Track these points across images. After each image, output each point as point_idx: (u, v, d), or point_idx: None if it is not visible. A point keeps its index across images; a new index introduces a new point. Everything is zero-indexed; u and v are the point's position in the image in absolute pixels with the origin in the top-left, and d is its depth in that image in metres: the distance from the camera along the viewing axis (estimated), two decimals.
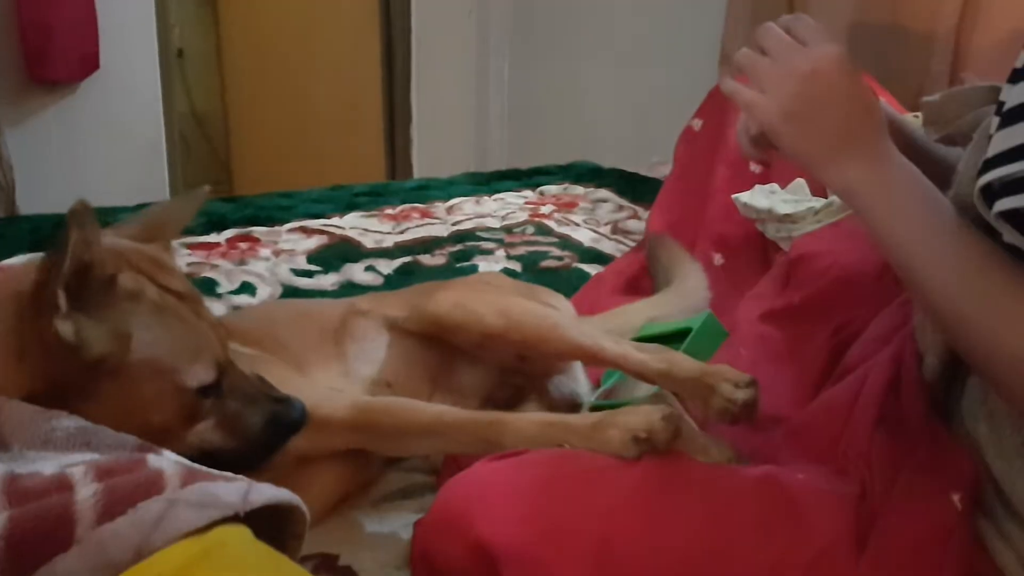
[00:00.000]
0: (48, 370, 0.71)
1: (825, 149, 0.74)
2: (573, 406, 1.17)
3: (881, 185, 0.71)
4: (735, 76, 0.81)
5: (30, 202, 2.35)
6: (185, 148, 3.35)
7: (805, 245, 1.17)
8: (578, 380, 1.21)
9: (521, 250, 1.92)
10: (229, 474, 0.63)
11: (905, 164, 0.73)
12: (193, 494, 0.58)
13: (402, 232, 2.04)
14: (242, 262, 1.80)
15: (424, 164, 3.45)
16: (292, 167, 3.60)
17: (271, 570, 0.57)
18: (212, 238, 1.93)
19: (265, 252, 1.86)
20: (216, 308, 1.50)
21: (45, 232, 1.87)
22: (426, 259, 1.86)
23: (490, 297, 1.12)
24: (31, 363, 0.71)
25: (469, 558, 0.71)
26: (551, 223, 2.13)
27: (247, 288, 1.67)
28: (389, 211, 2.19)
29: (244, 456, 0.81)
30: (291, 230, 2.02)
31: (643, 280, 1.58)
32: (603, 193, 2.37)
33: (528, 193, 2.41)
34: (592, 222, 2.14)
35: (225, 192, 3.68)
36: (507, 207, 2.27)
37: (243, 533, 0.57)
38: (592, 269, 1.79)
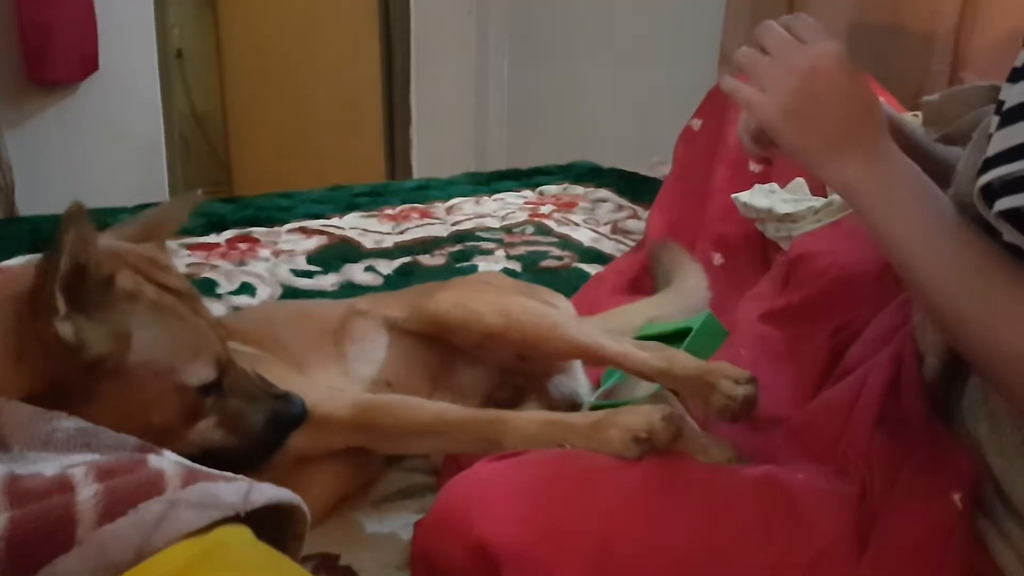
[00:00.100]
0: (47, 371, 0.71)
1: (825, 147, 0.74)
2: (573, 406, 1.17)
3: (881, 183, 0.71)
4: (735, 75, 0.81)
5: (30, 203, 2.35)
6: (185, 148, 3.35)
7: (805, 245, 1.17)
8: (578, 380, 1.21)
9: (521, 250, 1.92)
10: (230, 474, 0.63)
11: (905, 162, 0.73)
12: (194, 494, 0.58)
13: (402, 232, 2.04)
14: (242, 263, 1.80)
15: (424, 164, 3.45)
16: (292, 167, 3.60)
17: (272, 570, 0.57)
18: (212, 239, 1.93)
19: (265, 253, 1.86)
20: (216, 309, 1.50)
21: (45, 233, 1.87)
22: (426, 259, 1.86)
23: (490, 296, 1.12)
24: (30, 364, 0.71)
25: (469, 558, 0.71)
26: (551, 223, 2.13)
27: (247, 289, 1.67)
28: (389, 211, 2.20)
29: (246, 453, 0.81)
30: (291, 230, 2.02)
31: (643, 280, 1.58)
32: (603, 193, 2.37)
33: (528, 193, 2.41)
34: (592, 222, 2.14)
35: (225, 192, 3.69)
36: (507, 207, 2.27)
37: (244, 533, 0.57)
38: (592, 269, 1.79)
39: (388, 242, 1.96)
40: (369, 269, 1.80)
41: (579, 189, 2.42)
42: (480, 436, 0.89)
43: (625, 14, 2.91)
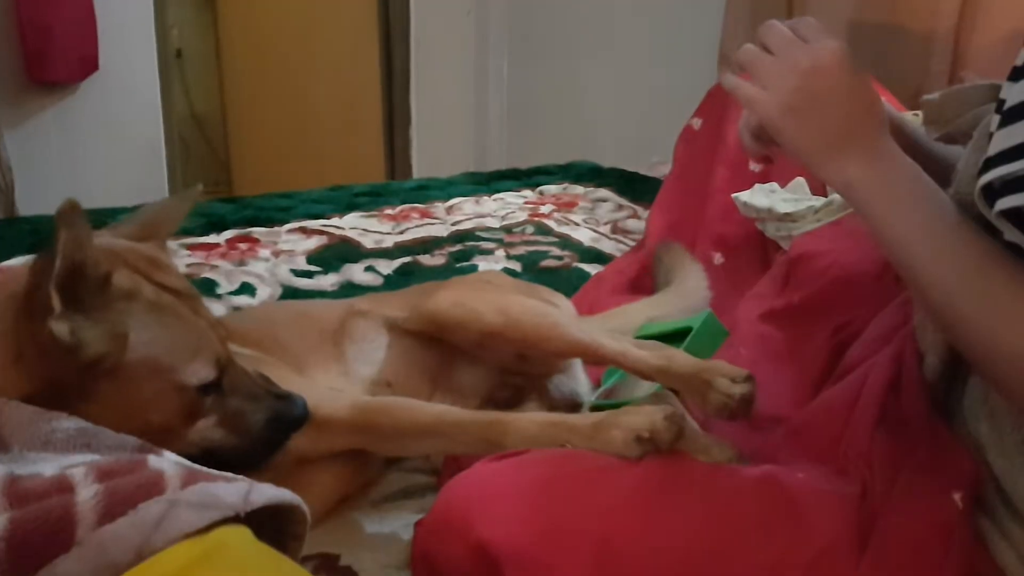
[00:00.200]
0: (45, 371, 0.71)
1: (825, 145, 0.73)
2: (573, 406, 1.17)
3: (881, 182, 0.71)
4: (738, 74, 0.81)
5: (29, 203, 2.35)
6: (184, 149, 3.35)
7: (805, 244, 1.17)
8: (578, 380, 1.21)
9: (521, 250, 1.92)
10: (230, 475, 0.63)
11: (906, 161, 0.73)
12: (194, 495, 0.58)
13: (402, 232, 2.04)
14: (242, 263, 1.80)
15: (423, 164, 3.45)
16: (291, 167, 3.60)
17: (272, 570, 0.57)
18: (212, 239, 1.93)
19: (265, 253, 1.86)
20: (216, 309, 1.50)
21: (45, 233, 1.86)
22: (426, 259, 1.86)
23: (489, 295, 1.12)
24: (28, 365, 0.71)
25: (470, 559, 0.71)
26: (551, 223, 2.13)
27: (247, 289, 1.67)
28: (389, 211, 2.20)
29: (247, 453, 0.81)
30: (291, 231, 2.02)
31: (643, 280, 1.58)
32: (603, 193, 2.37)
33: (528, 193, 2.41)
34: (592, 222, 2.14)
35: (224, 193, 3.69)
36: (507, 207, 2.27)
37: (244, 534, 0.57)
38: (592, 269, 1.79)
39: (388, 242, 1.96)
40: (369, 269, 1.80)
41: (579, 189, 2.42)
42: (481, 437, 0.88)
43: (625, 14, 2.91)
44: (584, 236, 2.03)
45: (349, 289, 1.68)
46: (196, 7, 3.89)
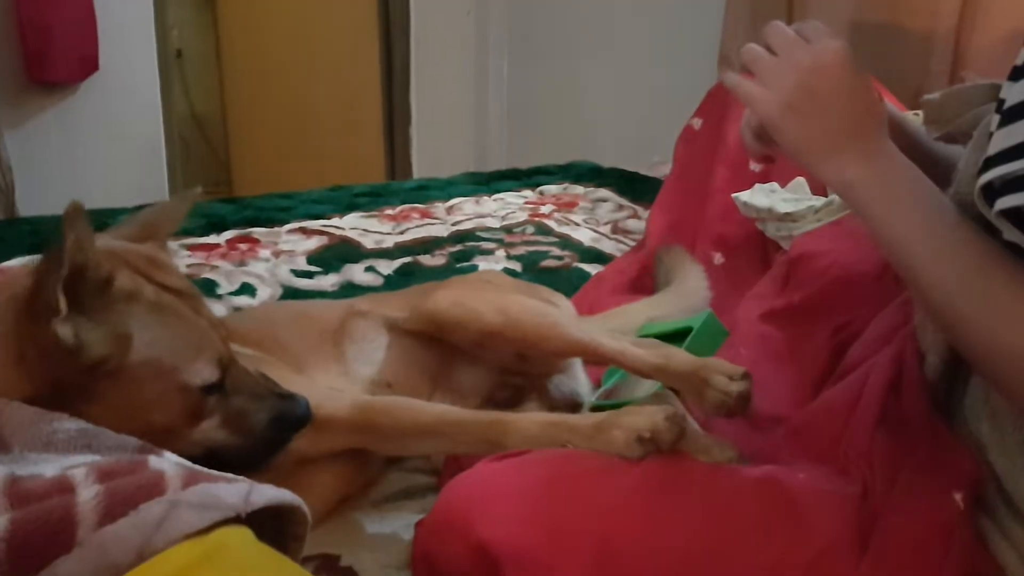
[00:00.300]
0: (48, 373, 0.71)
1: (824, 144, 0.73)
2: (574, 406, 1.17)
3: (880, 182, 0.71)
4: (740, 74, 0.81)
5: (29, 204, 2.35)
6: (184, 149, 3.35)
7: (805, 244, 1.17)
8: (579, 380, 1.21)
9: (521, 250, 1.92)
10: (230, 475, 0.63)
11: (905, 162, 0.73)
12: (195, 495, 0.58)
13: (402, 232, 2.04)
14: (242, 263, 1.80)
15: (424, 164, 3.45)
16: (292, 168, 3.60)
17: (273, 571, 0.57)
18: (212, 239, 1.93)
19: (265, 253, 1.86)
20: (216, 309, 1.50)
21: (45, 234, 1.87)
22: (426, 259, 1.86)
23: (489, 295, 1.12)
24: (30, 366, 0.71)
25: (470, 559, 0.71)
26: (551, 223, 2.13)
27: (247, 289, 1.67)
28: (389, 211, 2.20)
29: (250, 453, 0.81)
30: (291, 231, 2.02)
31: (643, 280, 1.58)
32: (603, 193, 2.37)
33: (528, 193, 2.41)
34: (592, 222, 2.14)
35: (225, 193, 3.69)
36: (507, 207, 2.27)
37: (245, 534, 0.57)
38: (592, 269, 1.79)
39: (388, 242, 1.96)
40: (369, 269, 1.80)
41: (579, 189, 2.42)
42: (482, 437, 0.88)
43: (625, 14, 2.91)
44: (584, 236, 2.03)
45: (349, 289, 1.68)
46: (196, 7, 3.89)
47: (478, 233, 2.05)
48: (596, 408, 1.16)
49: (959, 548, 0.66)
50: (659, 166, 2.29)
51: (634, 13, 2.87)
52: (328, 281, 1.73)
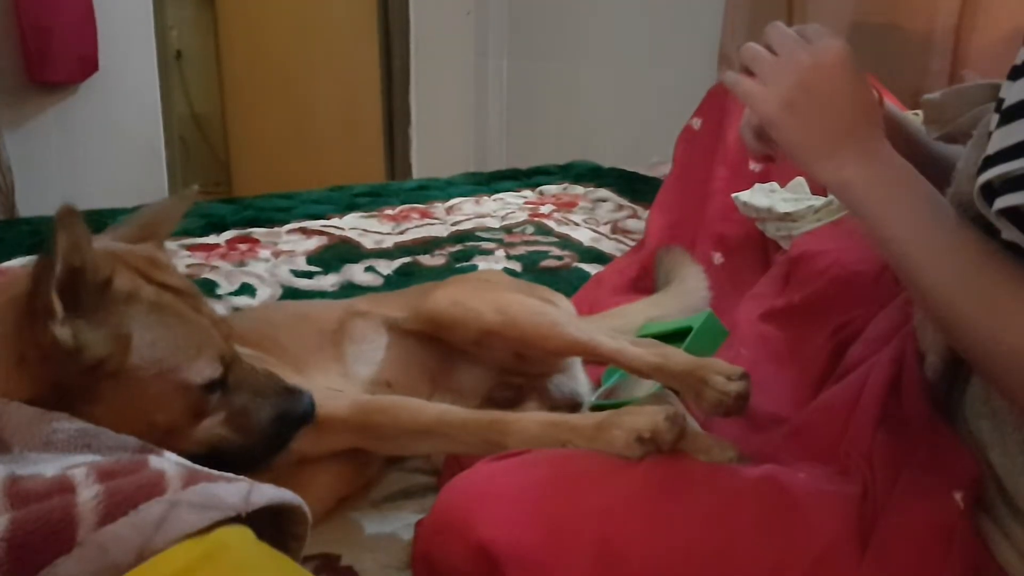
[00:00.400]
0: (49, 375, 0.71)
1: (823, 143, 0.73)
2: (573, 406, 1.17)
3: (879, 182, 0.71)
4: (740, 73, 0.81)
5: (29, 204, 2.35)
6: (184, 150, 3.35)
7: (805, 244, 1.17)
8: (578, 379, 1.21)
9: (521, 250, 1.92)
10: (230, 475, 0.63)
11: (903, 163, 0.73)
12: (195, 495, 0.58)
13: (402, 233, 2.04)
14: (242, 263, 1.80)
15: (423, 164, 3.45)
16: (291, 168, 3.60)
17: (273, 571, 0.57)
18: (211, 239, 1.93)
19: (265, 253, 1.86)
20: (216, 310, 1.50)
21: (44, 234, 1.86)
22: (426, 259, 1.86)
23: (488, 294, 1.12)
24: (30, 368, 0.71)
25: (471, 559, 0.71)
26: (551, 223, 2.13)
27: (247, 289, 1.67)
28: (389, 212, 2.20)
29: (253, 451, 0.81)
30: (291, 231, 2.02)
31: (643, 280, 1.58)
32: (603, 193, 2.37)
33: (528, 193, 2.41)
34: (592, 222, 2.14)
35: (224, 193, 3.69)
36: (507, 207, 2.27)
37: (245, 534, 0.57)
38: (592, 269, 1.79)
39: (388, 242, 1.96)
40: (369, 269, 1.80)
41: (579, 189, 2.42)
42: (482, 437, 0.88)
43: (625, 14, 2.91)
44: (584, 236, 2.03)
45: (349, 289, 1.68)
46: (196, 8, 3.89)
47: (478, 233, 2.05)
48: (596, 408, 1.16)
49: (959, 548, 0.66)
50: (659, 166, 2.29)
51: (634, 13, 2.87)
52: (328, 281, 1.73)
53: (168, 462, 0.62)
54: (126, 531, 0.54)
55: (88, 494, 0.55)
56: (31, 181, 2.42)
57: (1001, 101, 0.62)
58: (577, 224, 2.12)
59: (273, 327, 1.09)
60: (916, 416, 0.76)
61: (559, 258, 1.87)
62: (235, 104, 3.87)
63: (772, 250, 1.42)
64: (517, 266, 1.83)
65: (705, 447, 0.82)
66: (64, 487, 0.56)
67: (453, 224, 2.11)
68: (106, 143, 2.66)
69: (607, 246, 1.95)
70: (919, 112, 1.04)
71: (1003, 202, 0.60)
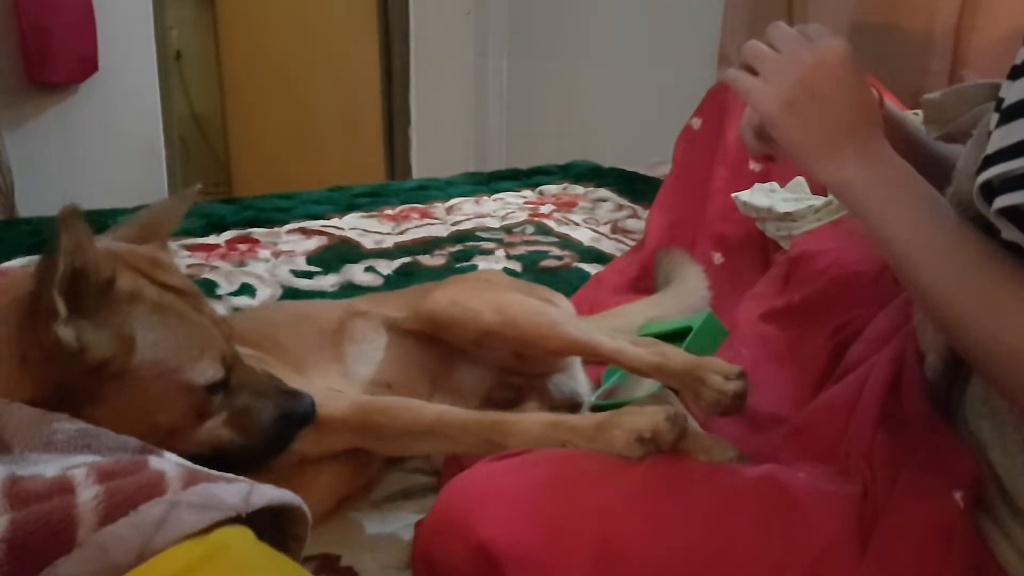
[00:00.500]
0: (52, 375, 0.71)
1: (822, 142, 0.73)
2: (573, 406, 1.17)
3: (879, 182, 0.71)
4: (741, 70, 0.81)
5: (29, 204, 2.35)
6: (184, 150, 3.35)
7: (805, 244, 1.17)
8: (578, 379, 1.21)
9: (521, 250, 1.92)
10: (231, 475, 0.63)
11: (902, 163, 0.73)
12: (195, 496, 0.58)
13: (402, 233, 2.04)
14: (242, 263, 1.80)
15: (423, 164, 3.45)
16: (291, 168, 3.60)
17: (273, 571, 0.57)
18: (211, 240, 1.93)
19: (265, 253, 1.86)
20: (216, 310, 1.50)
21: (45, 235, 1.87)
22: (426, 259, 1.86)
23: (487, 294, 1.12)
24: (33, 369, 0.71)
25: (471, 559, 0.71)
26: (551, 223, 2.13)
27: (247, 289, 1.67)
28: (389, 212, 2.20)
29: (255, 451, 0.81)
30: (291, 231, 2.02)
31: (643, 280, 1.58)
32: (603, 193, 2.37)
33: (528, 193, 2.41)
34: (592, 221, 2.14)
35: (224, 194, 3.69)
36: (507, 207, 2.27)
37: (245, 535, 0.57)
38: (592, 269, 1.79)
39: (388, 242, 1.96)
40: (369, 269, 1.80)
41: (579, 189, 2.42)
42: (483, 438, 0.88)
43: (625, 14, 2.91)
44: (584, 236, 2.03)
45: (349, 290, 1.68)
46: (196, 8, 3.89)
47: (478, 233, 2.05)
48: (596, 408, 1.16)
49: (959, 548, 0.66)
50: (659, 166, 2.29)
51: (634, 13, 2.87)
52: (328, 281, 1.73)
53: (168, 463, 0.62)
54: (126, 531, 0.54)
55: (88, 495, 0.55)
56: (31, 181, 2.42)
57: (1001, 101, 0.62)
58: (577, 224, 2.12)
59: (273, 327, 1.09)
60: (916, 416, 0.76)
61: (559, 258, 1.87)
62: (235, 104, 3.87)
63: (772, 250, 1.42)
64: (517, 266, 1.83)
65: (705, 447, 0.82)
66: (64, 488, 0.56)
67: (453, 224, 2.11)
68: (106, 143, 2.66)
69: (607, 246, 1.95)
70: (919, 112, 1.04)
71: (1003, 201, 0.60)
